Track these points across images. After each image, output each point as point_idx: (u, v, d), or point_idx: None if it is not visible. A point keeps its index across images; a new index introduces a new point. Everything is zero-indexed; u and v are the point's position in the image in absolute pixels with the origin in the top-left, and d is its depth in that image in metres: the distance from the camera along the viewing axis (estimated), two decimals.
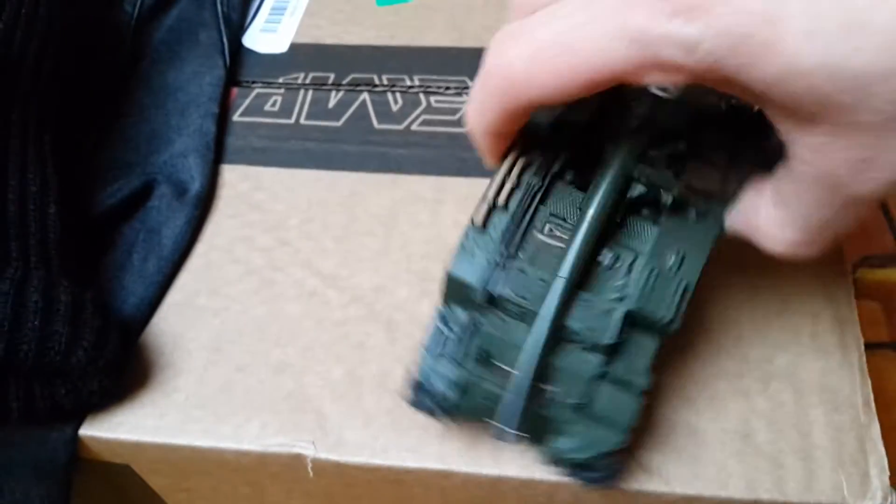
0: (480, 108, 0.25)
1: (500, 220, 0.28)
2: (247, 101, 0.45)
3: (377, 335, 0.35)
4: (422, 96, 0.45)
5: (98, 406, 0.33)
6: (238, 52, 0.47)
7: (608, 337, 0.27)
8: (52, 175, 0.36)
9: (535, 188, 0.28)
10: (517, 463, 0.31)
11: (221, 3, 0.47)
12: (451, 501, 0.33)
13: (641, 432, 0.31)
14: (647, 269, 0.27)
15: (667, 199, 0.28)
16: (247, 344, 0.35)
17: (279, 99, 0.45)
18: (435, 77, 0.46)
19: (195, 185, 0.39)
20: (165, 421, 0.33)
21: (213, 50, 0.45)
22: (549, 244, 0.28)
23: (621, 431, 0.27)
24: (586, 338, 0.27)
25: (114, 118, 0.43)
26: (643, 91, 0.27)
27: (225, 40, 0.46)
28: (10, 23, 0.36)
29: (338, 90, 0.45)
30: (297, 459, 0.32)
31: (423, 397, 0.28)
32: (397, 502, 0.34)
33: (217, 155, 0.42)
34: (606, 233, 0.27)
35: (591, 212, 0.27)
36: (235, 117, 0.44)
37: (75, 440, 0.33)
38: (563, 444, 0.27)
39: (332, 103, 0.45)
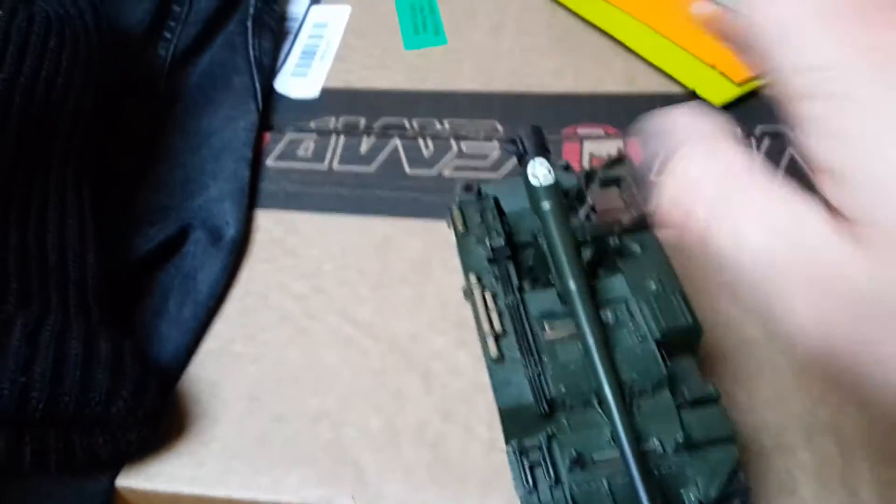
0: None
1: (510, 344, 0.29)
2: (280, 146, 0.45)
3: (414, 385, 0.35)
4: (452, 141, 0.45)
5: (136, 456, 0.33)
6: (270, 96, 0.48)
7: (660, 370, 0.28)
8: (90, 222, 0.36)
9: (516, 305, 0.30)
10: None
11: (254, 48, 0.48)
12: None
13: None
14: (642, 302, 0.29)
15: (614, 241, 0.31)
16: (283, 392, 0.35)
17: (312, 144, 0.45)
18: (464, 121, 0.46)
19: (230, 231, 0.39)
20: (203, 471, 0.33)
21: (247, 95, 0.45)
22: (558, 337, 0.29)
23: (731, 441, 0.27)
24: (645, 382, 0.28)
25: (148, 163, 0.43)
26: None
27: (257, 85, 0.46)
28: (52, 70, 0.36)
29: (369, 135, 0.46)
30: None
31: None
32: None
33: (251, 200, 0.42)
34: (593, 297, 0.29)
35: (571, 284, 0.29)
36: (269, 162, 0.45)
37: (112, 491, 0.33)
38: (694, 489, 0.27)
39: (364, 148, 0.45)
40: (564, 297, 0.30)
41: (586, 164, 0.44)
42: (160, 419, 0.33)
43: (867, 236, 0.18)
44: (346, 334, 0.37)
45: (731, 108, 0.45)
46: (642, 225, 0.31)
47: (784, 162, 0.42)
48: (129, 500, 0.33)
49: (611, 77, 0.48)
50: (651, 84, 0.48)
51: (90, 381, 0.30)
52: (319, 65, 0.50)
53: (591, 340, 0.28)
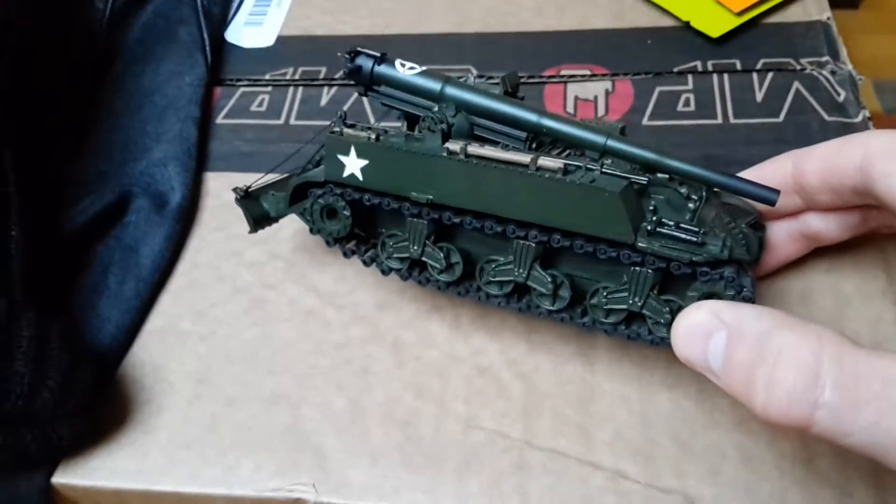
0: None
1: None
2: (231, 102, 0.41)
3: (383, 358, 0.31)
4: None
5: (71, 451, 0.29)
6: (221, 48, 0.43)
7: None
8: (14, 195, 0.32)
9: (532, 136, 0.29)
10: (548, 499, 0.27)
11: None
12: None
13: (686, 461, 0.27)
14: None
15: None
16: (236, 373, 0.31)
17: (267, 98, 0.41)
18: (436, 67, 0.42)
19: (176, 196, 0.36)
20: (147, 464, 0.29)
21: (193, 47, 0.41)
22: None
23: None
24: None
25: (86, 126, 0.39)
26: None
27: (206, 36, 0.42)
28: None
29: (330, 86, 0.41)
30: None
31: None
32: None
33: (200, 162, 0.38)
34: None
35: (543, 120, 0.28)
36: (219, 120, 0.40)
37: (48, 490, 0.29)
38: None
39: (324, 100, 0.41)
40: (538, 129, 0.28)
41: (571, 109, 0.39)
42: (97, 409, 0.30)
43: None
44: (307, 305, 0.33)
45: (728, 40, 0.41)
46: None
47: (790, 97, 0.38)
48: (69, 497, 0.30)
49: (596, 12, 0.44)
50: (640, 18, 0.43)
51: (9, 372, 0.27)
52: (276, 11, 0.46)
53: (599, 138, 0.27)
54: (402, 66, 0.29)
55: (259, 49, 0.44)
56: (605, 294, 0.27)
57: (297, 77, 0.42)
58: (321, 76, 0.42)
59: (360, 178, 0.28)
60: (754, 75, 0.39)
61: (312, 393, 0.30)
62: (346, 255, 0.31)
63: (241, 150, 0.39)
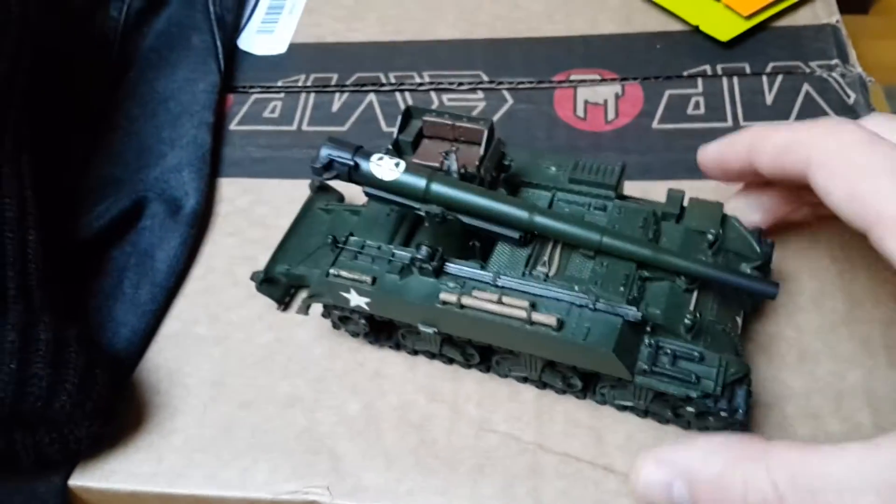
0: None
1: (544, 306, 0.27)
2: (244, 108, 0.42)
3: (395, 362, 0.31)
4: (433, 94, 0.42)
5: (88, 453, 0.30)
6: (233, 55, 0.44)
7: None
8: (31, 198, 0.33)
9: (494, 280, 0.28)
10: (561, 503, 0.27)
11: (214, 4, 0.44)
12: None
13: None
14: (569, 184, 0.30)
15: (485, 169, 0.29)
16: (251, 377, 0.32)
17: (279, 104, 0.42)
18: (446, 73, 0.42)
19: (190, 202, 0.36)
20: (163, 467, 0.30)
21: (206, 54, 0.41)
22: (553, 266, 0.28)
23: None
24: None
25: (100, 132, 0.39)
26: None
27: (219, 43, 0.42)
28: None
29: (342, 92, 0.42)
30: None
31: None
32: None
33: (213, 168, 0.38)
34: None
35: (534, 216, 0.28)
36: (232, 126, 0.41)
37: (65, 492, 0.29)
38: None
39: (336, 106, 0.41)
40: (531, 229, 0.28)
41: (581, 113, 0.40)
42: (114, 412, 0.30)
43: None
44: (320, 309, 0.33)
45: (738, 43, 0.41)
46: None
47: (800, 100, 0.38)
48: (85, 500, 0.30)
49: (605, 17, 0.44)
50: (650, 22, 0.43)
51: (28, 374, 0.27)
52: (288, 19, 0.46)
53: (594, 235, 0.27)
54: (379, 164, 0.28)
55: (271, 56, 0.44)
56: (612, 391, 0.28)
57: (308, 84, 0.42)
58: (333, 82, 0.42)
59: (367, 308, 0.29)
60: (764, 78, 0.39)
61: (327, 396, 0.31)
62: (372, 343, 0.32)
63: (254, 156, 0.39)
